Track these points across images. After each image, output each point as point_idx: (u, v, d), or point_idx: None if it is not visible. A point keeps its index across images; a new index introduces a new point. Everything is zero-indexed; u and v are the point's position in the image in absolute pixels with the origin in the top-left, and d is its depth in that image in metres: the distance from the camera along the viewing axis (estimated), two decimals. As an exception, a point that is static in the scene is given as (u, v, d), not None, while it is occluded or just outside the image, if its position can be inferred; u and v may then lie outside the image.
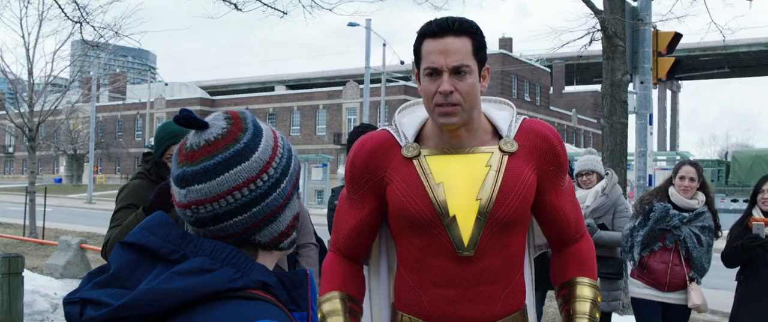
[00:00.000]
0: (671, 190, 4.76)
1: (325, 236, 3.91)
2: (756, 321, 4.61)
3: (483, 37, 2.01)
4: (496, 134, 2.08)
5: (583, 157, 5.69)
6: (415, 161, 2.04)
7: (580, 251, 2.21)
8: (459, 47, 1.94)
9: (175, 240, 1.14)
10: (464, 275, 1.99)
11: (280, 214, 1.21)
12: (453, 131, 2.02)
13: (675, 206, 4.69)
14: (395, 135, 2.10)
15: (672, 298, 4.72)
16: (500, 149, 2.03)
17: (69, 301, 1.11)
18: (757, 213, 4.70)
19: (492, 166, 2.00)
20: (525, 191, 2.01)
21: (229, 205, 1.15)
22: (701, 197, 4.75)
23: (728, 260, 4.78)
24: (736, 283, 4.86)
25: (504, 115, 2.11)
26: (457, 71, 1.93)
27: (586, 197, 5.32)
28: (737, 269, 4.84)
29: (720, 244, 4.87)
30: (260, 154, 1.18)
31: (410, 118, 2.13)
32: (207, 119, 1.20)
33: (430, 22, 2.00)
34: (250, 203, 1.16)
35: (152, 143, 3.63)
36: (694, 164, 4.84)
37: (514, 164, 2.02)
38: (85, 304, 1.09)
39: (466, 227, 1.97)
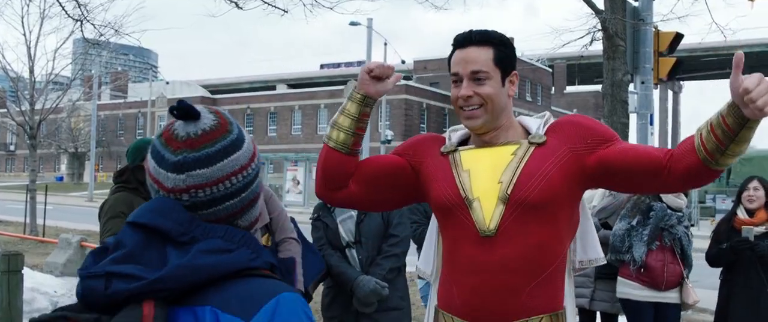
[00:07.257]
0: None
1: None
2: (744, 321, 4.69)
3: (507, 47, 2.19)
4: (528, 136, 2.22)
5: None
6: (450, 156, 2.24)
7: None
8: (478, 56, 2.14)
9: (185, 223, 1.22)
10: (488, 262, 2.06)
11: (257, 200, 1.35)
12: (484, 134, 2.20)
13: (668, 206, 4.80)
14: (446, 138, 2.35)
15: (667, 297, 4.78)
16: (529, 142, 2.16)
17: (93, 274, 1.15)
18: (741, 213, 4.84)
19: (517, 154, 2.14)
20: (552, 173, 2.07)
21: (226, 189, 1.26)
22: (683, 196, 4.91)
23: (714, 260, 4.91)
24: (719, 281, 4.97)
25: (537, 121, 2.26)
26: (476, 78, 2.13)
27: (593, 198, 5.38)
28: (720, 268, 4.95)
29: (700, 243, 4.96)
30: (247, 145, 1.31)
31: (461, 132, 2.35)
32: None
33: (458, 34, 2.20)
34: (241, 188, 1.28)
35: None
36: None
37: (541, 152, 2.12)
38: (110, 278, 1.13)
39: (488, 208, 2.08)
